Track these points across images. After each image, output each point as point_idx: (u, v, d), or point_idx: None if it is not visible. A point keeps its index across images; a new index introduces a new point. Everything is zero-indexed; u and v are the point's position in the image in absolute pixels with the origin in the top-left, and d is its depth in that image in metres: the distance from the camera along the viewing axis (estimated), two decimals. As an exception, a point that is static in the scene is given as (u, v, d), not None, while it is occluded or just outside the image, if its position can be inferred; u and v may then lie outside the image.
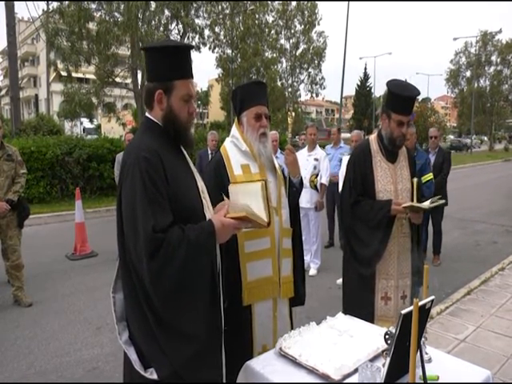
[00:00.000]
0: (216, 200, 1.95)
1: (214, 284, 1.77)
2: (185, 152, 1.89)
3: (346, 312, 2.35)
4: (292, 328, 2.49)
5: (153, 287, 1.56)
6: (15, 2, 13.80)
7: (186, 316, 1.64)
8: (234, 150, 2.43)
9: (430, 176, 4.88)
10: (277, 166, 2.50)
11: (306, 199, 5.98)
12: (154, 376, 1.62)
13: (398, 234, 2.92)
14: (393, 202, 2.83)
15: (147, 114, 1.82)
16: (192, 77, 1.81)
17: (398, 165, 2.97)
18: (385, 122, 2.90)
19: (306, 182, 5.89)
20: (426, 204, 2.72)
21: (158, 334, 1.61)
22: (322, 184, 6.03)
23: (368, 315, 2.76)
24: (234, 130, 2.48)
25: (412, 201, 2.88)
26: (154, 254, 1.53)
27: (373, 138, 3.06)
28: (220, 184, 2.31)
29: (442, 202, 2.80)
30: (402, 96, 2.79)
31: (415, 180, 2.85)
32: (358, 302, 2.96)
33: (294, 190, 2.55)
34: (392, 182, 2.92)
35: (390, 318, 2.93)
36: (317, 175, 6.02)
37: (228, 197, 2.00)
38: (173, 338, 1.63)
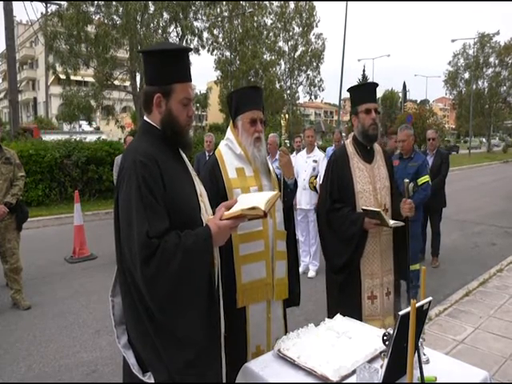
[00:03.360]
0: (212, 203, 1.96)
1: (211, 289, 1.77)
2: (183, 155, 1.89)
3: (330, 316, 2.34)
4: (286, 329, 2.51)
5: (148, 293, 1.56)
6: (14, 6, 13.83)
7: (182, 322, 1.64)
8: (229, 153, 2.45)
9: (426, 178, 4.86)
10: (271, 169, 2.52)
11: (306, 201, 6.01)
12: (152, 380, 1.62)
13: (381, 233, 2.95)
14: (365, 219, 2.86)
15: (145, 118, 1.81)
16: (190, 80, 1.81)
17: (374, 165, 3.03)
18: (355, 121, 3.02)
19: (305, 183, 5.93)
20: (392, 222, 2.82)
21: (155, 339, 1.61)
22: (321, 185, 6.04)
23: (355, 316, 2.78)
24: (229, 132, 2.50)
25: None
26: (147, 260, 1.52)
27: (348, 141, 3.15)
28: (215, 187, 2.33)
29: (402, 224, 2.86)
30: (360, 86, 3.11)
31: (406, 181, 2.88)
32: (345, 303, 2.95)
33: (288, 191, 2.57)
34: (370, 182, 2.97)
35: (377, 317, 2.96)
36: (316, 176, 6.04)
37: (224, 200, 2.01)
38: (169, 344, 1.62)
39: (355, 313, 2.83)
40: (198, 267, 1.65)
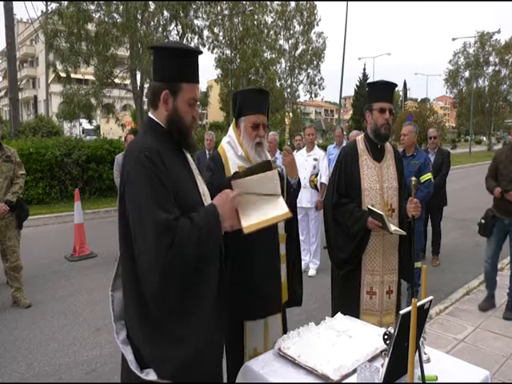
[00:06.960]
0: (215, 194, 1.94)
1: (221, 283, 1.77)
2: (187, 153, 1.88)
3: (334, 308, 2.34)
4: (285, 329, 2.49)
5: (163, 280, 1.54)
6: (14, 4, 13.80)
7: (190, 318, 1.63)
8: (231, 151, 2.43)
9: (428, 176, 4.86)
10: None
11: (307, 199, 6.00)
12: (150, 377, 1.60)
13: (384, 231, 2.93)
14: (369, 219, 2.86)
15: (150, 114, 1.80)
16: (198, 81, 1.81)
17: (384, 164, 3.03)
18: (369, 117, 3.01)
19: (306, 181, 5.91)
20: (393, 228, 2.78)
21: (157, 336, 1.60)
22: (322, 183, 6.03)
23: (354, 309, 2.85)
24: (231, 131, 2.48)
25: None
26: (167, 246, 1.52)
27: (360, 138, 3.14)
28: (219, 185, 2.30)
29: (404, 233, 2.86)
30: (378, 83, 3.02)
31: (413, 179, 2.86)
32: (345, 296, 3.03)
33: (291, 190, 2.54)
34: (378, 181, 2.97)
35: (374, 312, 2.98)
36: (317, 175, 6.03)
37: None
38: (172, 341, 1.61)
39: (353, 305, 2.94)
40: (212, 248, 1.66)
